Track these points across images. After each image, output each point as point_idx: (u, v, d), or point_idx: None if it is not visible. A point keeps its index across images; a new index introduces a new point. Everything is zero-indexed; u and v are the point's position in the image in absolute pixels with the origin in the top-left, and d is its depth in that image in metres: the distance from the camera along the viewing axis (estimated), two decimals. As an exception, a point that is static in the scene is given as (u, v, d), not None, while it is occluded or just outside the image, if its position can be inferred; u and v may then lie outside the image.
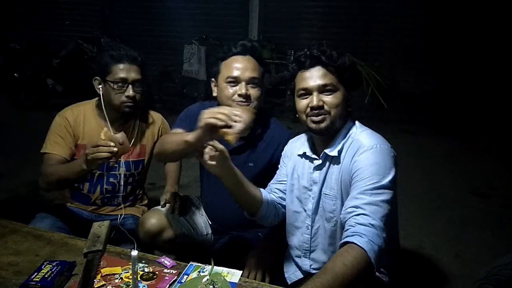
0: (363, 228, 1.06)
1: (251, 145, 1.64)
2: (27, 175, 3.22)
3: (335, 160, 1.29)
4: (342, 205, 1.22)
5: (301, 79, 1.30)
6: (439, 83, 6.29)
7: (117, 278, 1.06)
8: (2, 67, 5.64)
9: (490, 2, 5.82)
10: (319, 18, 6.83)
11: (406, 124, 5.77)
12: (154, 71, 6.14)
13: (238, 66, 1.55)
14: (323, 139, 1.32)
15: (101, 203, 1.78)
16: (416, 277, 2.19)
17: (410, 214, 2.94)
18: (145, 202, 1.95)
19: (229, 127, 1.14)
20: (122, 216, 1.78)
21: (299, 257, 1.43)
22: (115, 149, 1.26)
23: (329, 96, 1.27)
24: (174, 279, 1.07)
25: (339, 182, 1.27)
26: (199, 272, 1.11)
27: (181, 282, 1.06)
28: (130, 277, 1.05)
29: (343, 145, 1.28)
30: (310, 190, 1.36)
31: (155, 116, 1.89)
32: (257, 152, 1.65)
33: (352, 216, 1.10)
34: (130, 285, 1.03)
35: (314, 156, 1.36)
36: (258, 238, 1.66)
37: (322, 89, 1.27)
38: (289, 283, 1.46)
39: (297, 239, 1.43)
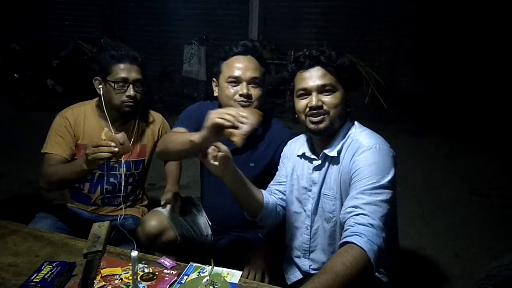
0: (362, 228, 1.06)
1: (252, 145, 1.63)
2: (27, 175, 3.22)
3: (335, 160, 1.29)
4: (342, 205, 1.22)
5: (300, 80, 1.30)
6: (439, 83, 6.28)
7: (117, 279, 1.06)
8: (2, 67, 5.64)
9: (490, 2, 5.82)
10: (319, 18, 6.82)
11: (406, 124, 5.76)
12: (154, 71, 6.13)
13: (240, 66, 1.56)
14: (322, 139, 1.32)
15: (102, 203, 1.78)
16: (416, 277, 2.19)
17: (410, 214, 2.94)
18: (145, 202, 1.95)
19: (236, 128, 1.14)
20: (122, 217, 1.79)
21: (299, 257, 1.43)
22: (116, 149, 1.26)
23: (328, 96, 1.27)
24: (174, 279, 1.07)
25: (339, 183, 1.27)
26: (199, 272, 1.11)
27: (181, 283, 1.06)
28: (130, 277, 1.05)
29: (342, 145, 1.28)
30: (310, 190, 1.36)
31: (156, 116, 1.89)
32: (258, 152, 1.64)
33: (352, 216, 1.10)
34: (130, 285, 1.03)
35: (313, 156, 1.36)
36: (258, 238, 1.66)
37: (321, 89, 1.27)
38: (288, 283, 1.46)
39: (296, 239, 1.43)
